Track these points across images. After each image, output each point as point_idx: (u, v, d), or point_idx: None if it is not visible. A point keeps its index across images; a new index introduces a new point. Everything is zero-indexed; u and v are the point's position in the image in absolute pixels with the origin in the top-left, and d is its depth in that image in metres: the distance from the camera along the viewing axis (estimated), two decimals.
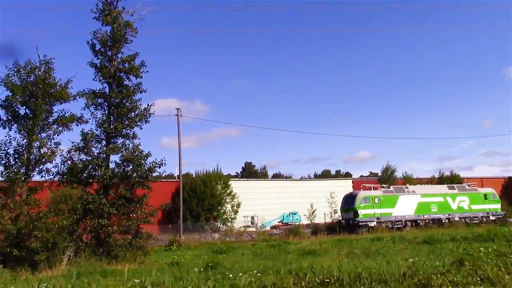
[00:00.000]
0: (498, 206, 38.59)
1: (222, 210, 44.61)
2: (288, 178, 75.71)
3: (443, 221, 35.29)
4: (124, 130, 18.62)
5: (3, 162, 17.48)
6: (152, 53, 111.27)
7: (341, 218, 37.57)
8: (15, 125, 17.73)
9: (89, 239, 17.79)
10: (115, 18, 19.26)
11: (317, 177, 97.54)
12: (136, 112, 18.94)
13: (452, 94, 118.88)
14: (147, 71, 19.16)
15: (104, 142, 18.89)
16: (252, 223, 47.55)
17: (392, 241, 21.43)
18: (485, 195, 38.29)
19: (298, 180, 62.73)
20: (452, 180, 50.51)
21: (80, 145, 18.07)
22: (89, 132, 18.11)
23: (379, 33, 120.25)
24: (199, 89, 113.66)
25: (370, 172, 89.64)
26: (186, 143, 71.25)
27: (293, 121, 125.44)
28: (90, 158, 18.32)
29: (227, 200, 45.60)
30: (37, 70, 17.89)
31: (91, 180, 18.58)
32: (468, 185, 39.44)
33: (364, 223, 33.23)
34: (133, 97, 19.02)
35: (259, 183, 55.86)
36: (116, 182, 17.98)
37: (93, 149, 18.52)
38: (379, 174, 49.94)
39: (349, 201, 35.46)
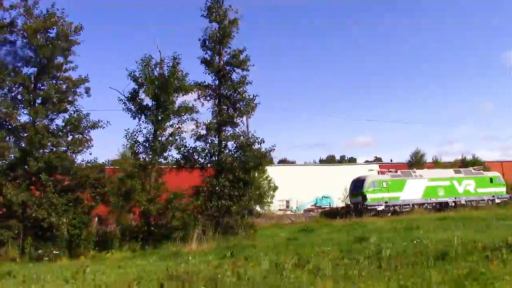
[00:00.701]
0: (503, 189, 39.19)
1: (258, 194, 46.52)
2: (293, 163, 77.33)
3: (450, 204, 35.95)
4: (235, 119, 20.34)
5: (132, 149, 19.18)
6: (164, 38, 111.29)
7: (349, 202, 38.45)
8: (143, 116, 19.39)
9: (211, 218, 19.58)
10: (222, 15, 20.85)
11: (322, 162, 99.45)
12: (244, 103, 20.63)
13: (452, 78, 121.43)
14: (253, 65, 20.84)
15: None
16: (287, 206, 49.81)
17: (463, 219, 23.63)
18: (491, 178, 38.89)
19: (327, 165, 65.13)
20: (474, 164, 52.60)
21: (202, 133, 19.84)
22: (211, 122, 19.84)
23: (377, 18, 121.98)
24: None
25: (375, 157, 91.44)
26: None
27: (291, 106, 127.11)
28: (208, 145, 20.11)
29: (264, 185, 47.50)
30: (160, 65, 19.48)
31: (209, 165, 20.31)
32: (474, 169, 40.26)
33: (372, 207, 34.05)
34: (240, 89, 20.67)
35: (291, 168, 57.90)
36: (234, 167, 19.75)
37: (210, 136, 20.24)
38: (410, 159, 51.93)
39: (357, 186, 36.13)
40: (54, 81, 18.49)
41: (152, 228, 18.32)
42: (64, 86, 18.43)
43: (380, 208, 34.12)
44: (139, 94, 19.57)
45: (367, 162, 74.34)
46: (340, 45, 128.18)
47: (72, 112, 18.61)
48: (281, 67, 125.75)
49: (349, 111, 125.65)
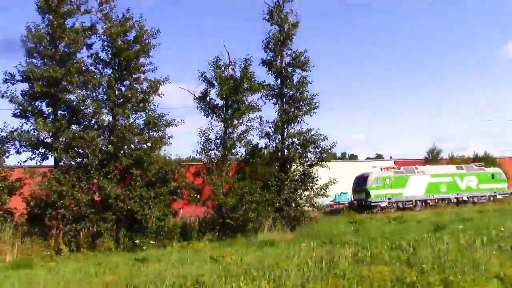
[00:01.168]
0: (505, 185, 39.63)
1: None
2: None
3: (452, 200, 36.61)
4: (298, 118, 21.54)
5: (204, 146, 20.34)
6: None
7: (352, 198, 39.16)
8: (214, 115, 20.54)
9: (278, 210, 20.78)
10: (283, 19, 22.02)
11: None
12: (305, 102, 21.81)
13: (447, 73, 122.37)
14: (314, 65, 22.00)
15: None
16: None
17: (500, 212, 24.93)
18: (493, 174, 39.14)
19: (345, 161, 66.42)
20: (486, 160, 54.00)
21: (270, 132, 21.08)
22: (277, 120, 21.05)
23: (371, 11, 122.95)
24: None
25: (377, 154, 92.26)
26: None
27: None
28: (273, 142, 21.35)
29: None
30: (229, 66, 20.63)
31: (272, 160, 21.51)
32: (476, 165, 40.72)
33: (376, 204, 34.62)
34: (302, 89, 21.84)
35: None
36: (300, 162, 20.93)
37: (274, 134, 21.46)
38: (426, 155, 53.29)
39: (360, 182, 36.68)
40: (132, 82, 19.56)
41: (228, 220, 19.46)
42: (144, 87, 19.54)
43: (383, 204, 34.67)
44: (209, 94, 20.72)
45: (368, 159, 75.13)
46: (336, 41, 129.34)
47: (147, 111, 19.71)
48: None
49: (344, 108, 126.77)
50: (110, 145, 17.90)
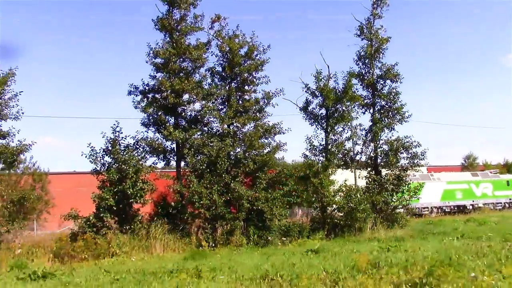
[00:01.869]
0: None
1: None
2: None
3: (468, 207, 36.54)
4: (391, 125, 23.36)
5: (310, 151, 22.14)
6: None
7: None
8: (317, 124, 22.34)
9: (377, 212, 22.48)
10: (373, 35, 23.97)
11: None
12: (396, 112, 23.62)
13: (451, 78, 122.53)
14: (403, 77, 23.85)
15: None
16: None
17: None
18: (508, 181, 39.40)
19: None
20: None
21: (365, 139, 22.90)
22: (371, 128, 22.96)
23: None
24: None
25: None
26: None
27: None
28: (368, 148, 23.18)
29: None
30: (330, 78, 22.46)
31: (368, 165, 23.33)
32: (491, 172, 41.36)
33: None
34: (393, 99, 23.67)
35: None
36: (397, 167, 22.77)
37: (368, 141, 23.30)
38: (463, 162, 54.82)
39: None
40: (249, 94, 21.47)
41: (336, 220, 21.18)
42: (259, 97, 21.41)
43: (400, 210, 35.24)
44: (311, 104, 22.53)
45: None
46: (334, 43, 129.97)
47: (262, 120, 21.57)
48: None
49: None
50: (239, 150, 19.72)
